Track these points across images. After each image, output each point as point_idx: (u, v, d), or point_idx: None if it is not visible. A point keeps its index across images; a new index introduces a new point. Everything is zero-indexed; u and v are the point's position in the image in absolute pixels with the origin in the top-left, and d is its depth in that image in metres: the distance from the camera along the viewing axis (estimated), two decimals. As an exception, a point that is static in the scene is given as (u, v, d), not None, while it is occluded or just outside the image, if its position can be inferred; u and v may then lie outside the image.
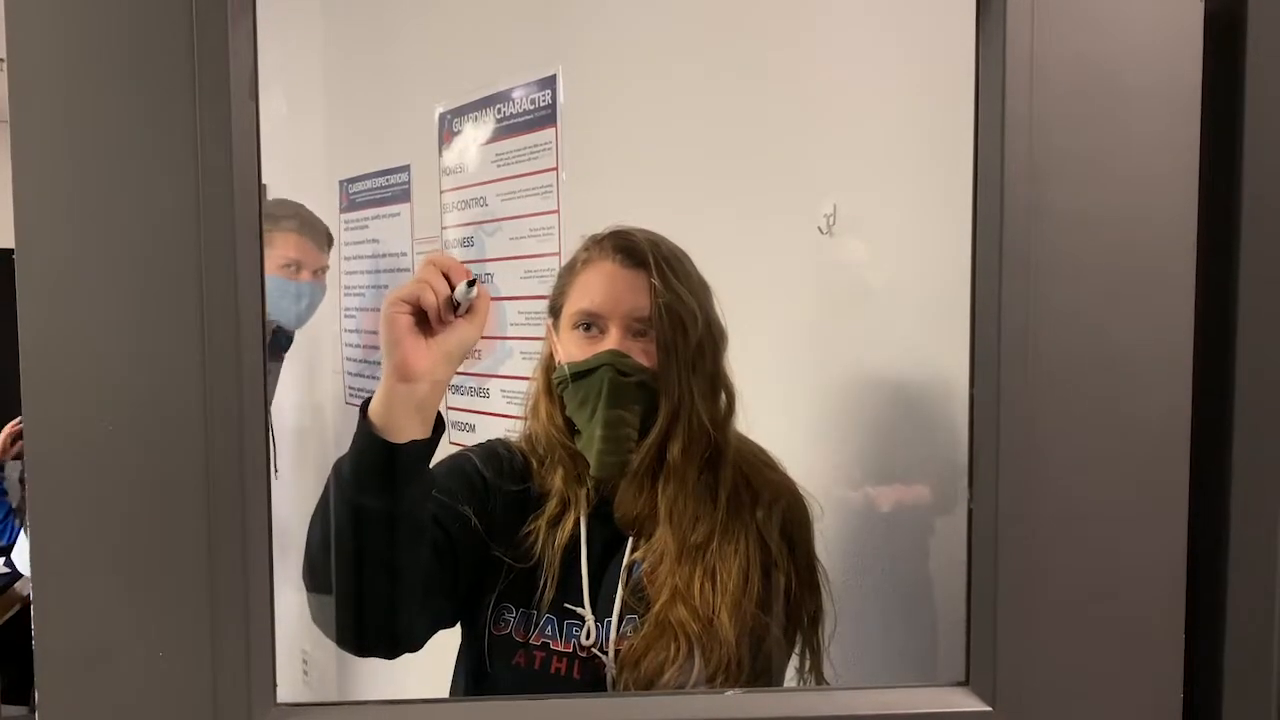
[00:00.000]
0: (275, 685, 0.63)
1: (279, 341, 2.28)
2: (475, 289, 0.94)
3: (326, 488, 0.96)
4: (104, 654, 0.60)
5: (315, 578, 0.98)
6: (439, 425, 0.97)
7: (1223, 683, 0.69)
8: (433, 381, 0.94)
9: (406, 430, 0.93)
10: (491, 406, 2.06)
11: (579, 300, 1.09)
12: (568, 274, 1.13)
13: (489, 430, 2.04)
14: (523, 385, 1.93)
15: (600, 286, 1.08)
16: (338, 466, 0.95)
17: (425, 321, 0.94)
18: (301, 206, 2.15)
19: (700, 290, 1.11)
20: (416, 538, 0.99)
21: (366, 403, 0.95)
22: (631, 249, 1.09)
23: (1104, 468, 0.65)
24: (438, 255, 0.94)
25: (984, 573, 0.66)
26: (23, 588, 3.24)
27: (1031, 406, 0.64)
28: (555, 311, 1.14)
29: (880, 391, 1.32)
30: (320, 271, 2.15)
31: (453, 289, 0.94)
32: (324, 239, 2.16)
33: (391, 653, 1.04)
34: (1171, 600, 0.66)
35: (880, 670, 1.28)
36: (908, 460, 1.31)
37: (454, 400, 2.17)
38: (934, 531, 1.27)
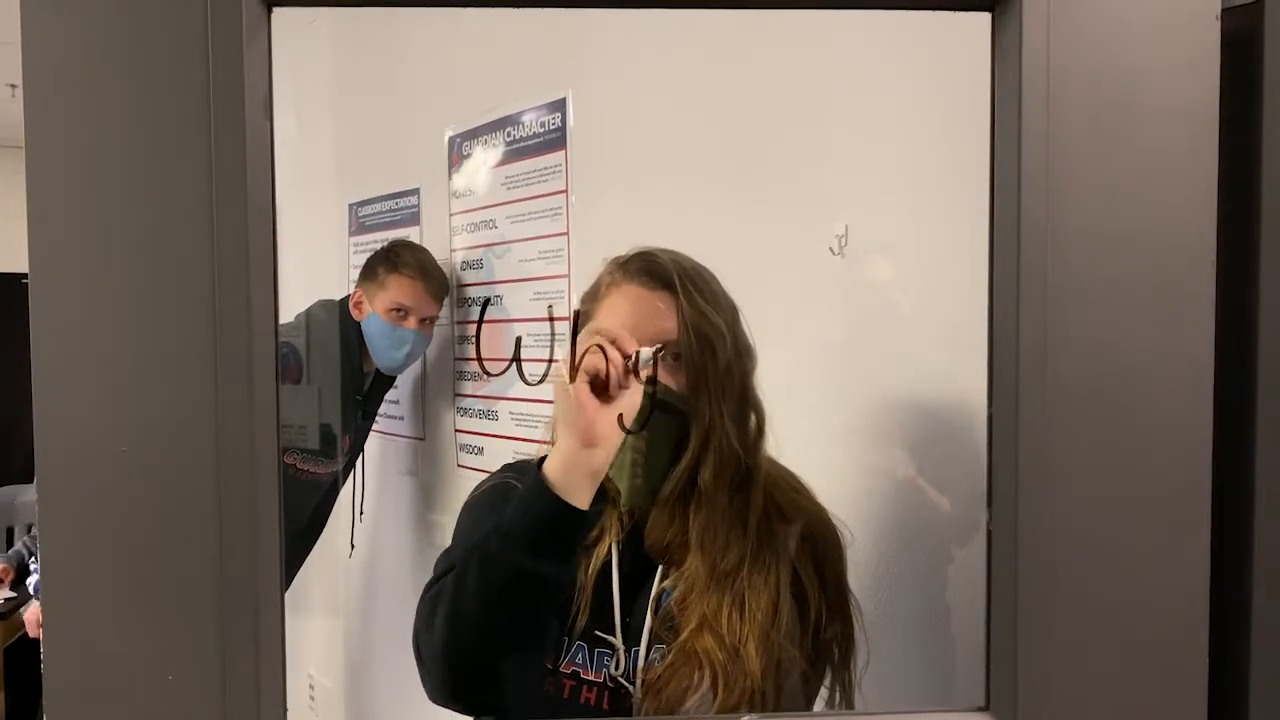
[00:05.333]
0: (286, 709, 0.62)
1: (379, 384, 2.25)
2: (655, 355, 0.96)
3: (474, 554, 0.95)
4: (113, 677, 0.60)
5: (460, 641, 0.96)
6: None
7: (1248, 705, 0.68)
8: (610, 447, 0.95)
9: (583, 496, 0.94)
10: (500, 429, 2.05)
11: (604, 324, 1.06)
12: (590, 298, 1.11)
13: (497, 452, 2.04)
14: (530, 408, 1.94)
15: (626, 310, 1.06)
16: (497, 527, 0.95)
17: (600, 389, 0.95)
18: (426, 253, 2.12)
19: (728, 310, 1.08)
20: (559, 596, 1.00)
21: (539, 465, 0.95)
22: (656, 270, 1.06)
23: (1125, 488, 0.65)
24: (602, 326, 0.95)
25: (1004, 595, 0.65)
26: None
27: (1050, 427, 0.64)
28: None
29: (900, 413, 1.31)
30: (428, 321, 2.12)
31: (624, 355, 0.95)
32: (441, 289, 2.12)
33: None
34: (1195, 622, 0.65)
35: (899, 695, 1.26)
36: (931, 480, 1.30)
37: (462, 423, 2.17)
38: (952, 555, 1.25)
